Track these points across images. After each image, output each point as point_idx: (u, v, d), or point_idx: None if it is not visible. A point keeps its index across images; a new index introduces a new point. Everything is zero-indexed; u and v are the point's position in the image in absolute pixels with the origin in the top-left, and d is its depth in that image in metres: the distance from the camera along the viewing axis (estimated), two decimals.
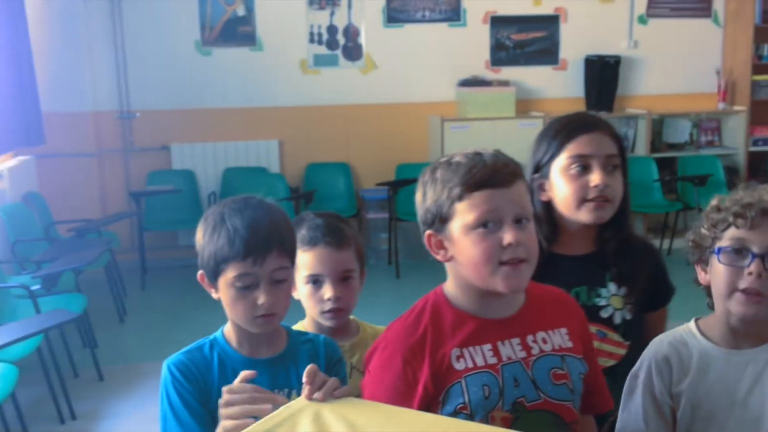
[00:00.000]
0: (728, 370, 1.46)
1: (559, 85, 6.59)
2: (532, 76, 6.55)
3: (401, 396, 1.34)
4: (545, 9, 6.53)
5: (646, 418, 1.49)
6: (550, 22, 6.55)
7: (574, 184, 1.67)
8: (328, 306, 1.73)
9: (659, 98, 6.65)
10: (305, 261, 1.72)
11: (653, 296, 1.77)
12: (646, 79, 6.69)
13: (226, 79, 6.19)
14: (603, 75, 6.43)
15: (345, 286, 1.74)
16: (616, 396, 1.56)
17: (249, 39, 6.23)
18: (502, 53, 6.54)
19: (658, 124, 6.64)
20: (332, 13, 6.29)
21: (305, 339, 1.57)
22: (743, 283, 1.41)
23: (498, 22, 6.49)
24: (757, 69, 6.65)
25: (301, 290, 1.76)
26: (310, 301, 1.75)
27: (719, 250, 1.44)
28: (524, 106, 6.43)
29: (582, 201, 1.66)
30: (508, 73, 6.50)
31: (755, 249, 1.40)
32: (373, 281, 5.67)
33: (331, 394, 1.27)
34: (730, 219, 1.43)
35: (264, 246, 1.40)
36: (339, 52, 6.34)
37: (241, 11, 6.20)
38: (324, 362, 1.52)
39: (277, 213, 1.47)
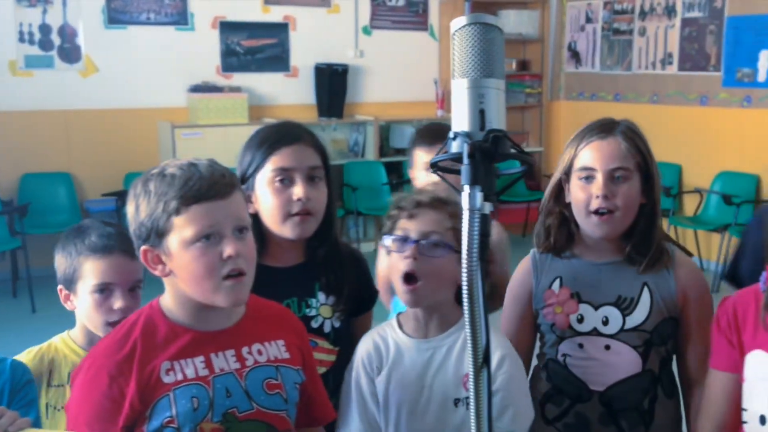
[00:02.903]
0: (418, 358, 1.58)
1: (291, 92, 6.67)
2: (264, 83, 6.57)
3: (106, 414, 1.30)
4: (274, 16, 6.59)
5: (357, 407, 1.58)
6: (280, 29, 6.63)
7: (278, 198, 1.65)
8: (117, 316, 1.64)
9: (385, 105, 7.01)
10: (94, 269, 1.65)
11: (359, 302, 1.80)
12: (373, 87, 7.02)
13: None
14: (332, 82, 6.63)
15: (133, 296, 1.69)
16: (333, 401, 1.61)
17: None
18: (233, 59, 6.48)
19: (385, 130, 6.99)
20: (44, 11, 5.81)
21: None
22: (404, 268, 1.52)
23: (227, 27, 6.42)
24: None
25: (85, 300, 1.67)
26: (96, 311, 1.66)
27: (386, 238, 1.58)
28: (257, 112, 6.42)
29: (287, 215, 1.65)
30: (239, 79, 6.46)
31: (413, 235, 1.54)
32: None
33: (6, 429, 1.20)
34: (394, 212, 1.58)
35: None
36: (54, 53, 5.87)
37: None
38: (9, 386, 1.45)
39: None
